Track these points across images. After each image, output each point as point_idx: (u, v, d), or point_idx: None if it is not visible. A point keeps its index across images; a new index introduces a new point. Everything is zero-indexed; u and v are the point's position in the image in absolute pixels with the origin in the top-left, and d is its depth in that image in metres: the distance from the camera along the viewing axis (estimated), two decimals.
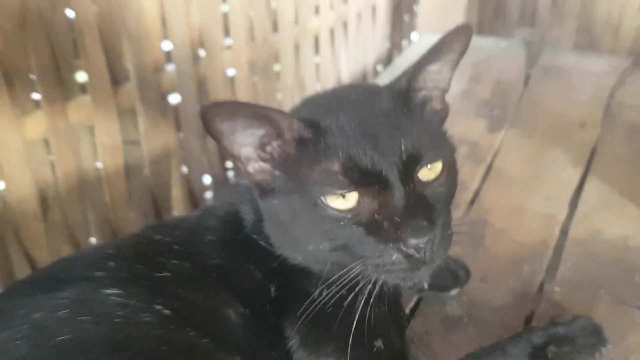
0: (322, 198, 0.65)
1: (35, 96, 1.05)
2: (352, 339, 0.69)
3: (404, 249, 0.63)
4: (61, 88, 1.07)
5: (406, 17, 2.25)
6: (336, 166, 0.65)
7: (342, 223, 0.66)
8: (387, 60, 2.16)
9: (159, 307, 0.66)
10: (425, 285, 0.96)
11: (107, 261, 0.71)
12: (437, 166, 0.69)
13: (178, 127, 1.35)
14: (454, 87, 1.66)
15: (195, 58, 1.32)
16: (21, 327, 0.60)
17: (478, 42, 2.07)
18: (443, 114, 0.78)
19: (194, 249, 0.75)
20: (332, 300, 0.68)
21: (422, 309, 0.97)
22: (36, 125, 1.05)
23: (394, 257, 0.65)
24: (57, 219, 1.11)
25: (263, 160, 0.70)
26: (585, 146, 1.42)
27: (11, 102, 0.99)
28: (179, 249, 0.75)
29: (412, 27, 2.31)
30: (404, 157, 0.66)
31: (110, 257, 0.72)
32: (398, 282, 0.69)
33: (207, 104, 0.62)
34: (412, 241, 0.63)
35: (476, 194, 1.27)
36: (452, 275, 1.00)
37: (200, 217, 0.82)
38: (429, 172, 0.68)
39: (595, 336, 0.84)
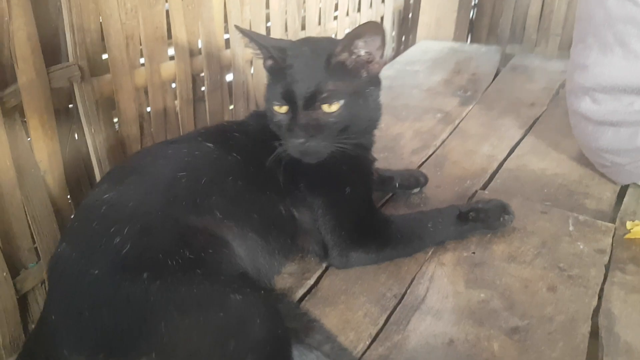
0: (273, 104, 1.15)
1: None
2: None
3: (291, 141, 1.11)
4: (159, 56, 1.58)
5: (408, 26, 2.76)
6: (279, 89, 1.14)
7: (278, 120, 1.15)
8: (392, 57, 2.67)
9: (234, 154, 1.16)
10: (397, 185, 1.45)
11: (200, 134, 1.22)
12: (334, 106, 1.10)
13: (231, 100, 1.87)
14: (438, 76, 2.19)
15: (246, 45, 1.84)
16: (169, 155, 1.13)
17: (463, 47, 2.58)
18: (365, 74, 1.16)
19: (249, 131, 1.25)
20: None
21: (393, 199, 1.46)
22: (141, 77, 1.56)
23: (289, 144, 1.12)
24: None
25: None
26: (531, 118, 1.90)
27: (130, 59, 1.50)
28: (239, 129, 1.25)
29: (412, 33, 2.82)
30: (307, 94, 1.09)
31: (201, 132, 1.23)
32: (294, 155, 1.14)
33: None
34: (291, 139, 1.11)
35: (443, 142, 1.76)
36: (415, 180, 1.50)
37: (248, 117, 1.35)
38: (328, 107, 1.10)
39: (503, 209, 1.30)
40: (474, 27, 3.29)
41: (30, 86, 1.23)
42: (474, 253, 1.24)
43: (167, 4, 1.58)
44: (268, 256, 1.12)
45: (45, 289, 1.32)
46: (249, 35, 1.18)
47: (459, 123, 1.87)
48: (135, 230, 0.94)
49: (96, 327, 0.85)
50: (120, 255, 0.91)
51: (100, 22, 1.39)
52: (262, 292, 0.96)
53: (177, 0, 1.60)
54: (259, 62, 1.90)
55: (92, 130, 1.42)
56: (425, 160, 1.65)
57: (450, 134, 1.80)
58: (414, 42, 2.81)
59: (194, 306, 0.86)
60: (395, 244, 1.21)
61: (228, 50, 1.82)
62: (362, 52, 1.13)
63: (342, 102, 1.11)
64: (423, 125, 1.84)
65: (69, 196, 1.39)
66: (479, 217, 1.28)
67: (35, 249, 1.32)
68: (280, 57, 1.15)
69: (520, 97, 2.04)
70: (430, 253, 1.24)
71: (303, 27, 2.07)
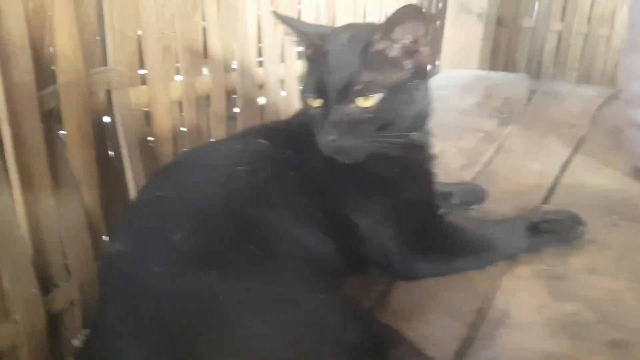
0: (307, 96, 1.07)
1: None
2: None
3: (322, 138, 1.02)
4: (194, 70, 1.51)
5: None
6: (312, 80, 1.05)
7: (313, 114, 1.06)
8: None
9: (289, 151, 1.07)
10: (456, 202, 1.36)
11: (250, 132, 1.14)
12: (371, 100, 0.99)
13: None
14: (470, 100, 2.13)
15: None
16: (223, 151, 1.03)
17: (490, 75, 2.54)
18: (409, 65, 1.04)
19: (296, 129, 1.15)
20: None
21: (452, 214, 1.36)
22: (177, 90, 1.48)
23: (320, 141, 1.03)
24: None
25: None
26: (574, 138, 1.83)
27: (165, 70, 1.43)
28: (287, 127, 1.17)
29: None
30: (340, 86, 0.99)
31: (251, 131, 1.16)
32: (326, 153, 1.03)
33: None
34: (322, 136, 1.02)
35: (489, 159, 1.68)
36: (474, 195, 1.40)
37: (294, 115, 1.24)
38: (364, 101, 0.99)
39: (576, 220, 1.21)
40: (490, 62, 3.27)
41: (69, 87, 1.15)
42: (550, 266, 1.14)
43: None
44: (335, 260, 1.02)
45: (74, 310, 1.20)
46: (289, 22, 1.11)
47: (501, 141, 1.80)
48: (196, 225, 0.85)
49: (160, 329, 0.74)
50: (182, 253, 0.81)
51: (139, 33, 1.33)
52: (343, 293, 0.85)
53: (214, 14, 1.55)
54: (291, 83, 1.85)
55: (129, 142, 1.33)
56: (476, 176, 1.56)
57: (494, 151, 1.73)
58: (435, 72, 2.78)
59: (272, 305, 0.76)
60: (466, 254, 1.11)
61: (261, 69, 1.75)
62: (405, 40, 1.03)
63: (379, 96, 1.00)
64: (465, 144, 1.76)
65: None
66: (551, 229, 1.18)
67: (66, 266, 1.21)
68: (318, 44, 1.07)
69: (558, 118, 1.98)
70: (501, 267, 1.14)
71: None
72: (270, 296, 0.77)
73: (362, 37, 1.03)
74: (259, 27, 1.72)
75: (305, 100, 1.07)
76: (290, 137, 1.10)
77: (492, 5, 2.73)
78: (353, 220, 1.07)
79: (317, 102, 1.05)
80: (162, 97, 1.43)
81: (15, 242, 1.07)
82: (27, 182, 1.08)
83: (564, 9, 3.11)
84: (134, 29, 1.32)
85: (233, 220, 0.89)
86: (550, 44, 3.19)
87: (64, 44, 1.12)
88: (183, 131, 1.52)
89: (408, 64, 1.04)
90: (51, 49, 1.10)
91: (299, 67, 1.90)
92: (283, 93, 1.86)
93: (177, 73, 1.50)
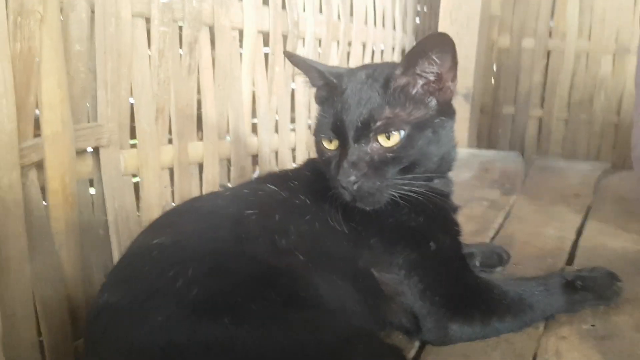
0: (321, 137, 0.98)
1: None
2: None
3: (342, 179, 0.91)
4: (187, 135, 1.42)
5: None
6: (328, 120, 0.97)
7: (327, 158, 0.98)
8: None
9: (302, 197, 0.96)
10: (477, 263, 1.24)
11: (256, 180, 1.03)
12: (394, 138, 0.92)
13: None
14: (467, 174, 2.07)
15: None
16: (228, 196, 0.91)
17: (482, 152, 2.52)
18: (433, 102, 0.97)
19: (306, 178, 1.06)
20: None
21: None
22: (168, 155, 1.38)
23: (338, 184, 0.93)
24: None
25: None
26: (583, 206, 1.76)
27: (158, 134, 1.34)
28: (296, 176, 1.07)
29: None
30: (359, 123, 0.92)
31: (258, 179, 1.04)
32: (346, 198, 0.94)
33: None
34: (339, 178, 0.92)
35: (501, 226, 1.58)
36: (497, 257, 1.28)
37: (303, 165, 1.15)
38: (386, 140, 0.92)
39: (612, 276, 1.10)
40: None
41: (55, 140, 1.05)
42: (593, 326, 1.02)
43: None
44: (360, 315, 0.88)
45: None
46: (301, 60, 1.04)
47: (510, 210, 1.72)
48: (203, 271, 0.73)
49: None
50: (188, 300, 0.68)
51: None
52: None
53: (209, 79, 1.49)
54: (284, 153, 1.78)
55: (116, 206, 1.21)
56: (491, 241, 1.46)
57: (505, 218, 1.64)
58: None
59: (301, 353, 0.61)
60: (502, 313, 0.98)
61: (255, 138, 1.68)
62: (429, 76, 0.96)
63: (402, 133, 0.92)
64: (473, 212, 1.68)
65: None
66: (587, 286, 1.07)
67: (40, 344, 1.04)
68: (334, 82, 1.00)
69: (561, 189, 1.93)
70: (542, 328, 1.01)
71: None
72: (299, 344, 0.63)
73: (382, 73, 0.97)
74: (254, 97, 1.66)
75: (319, 143, 0.98)
76: (302, 184, 1.00)
77: (477, 87, 2.76)
78: (375, 275, 0.94)
79: (332, 145, 0.96)
80: (153, 162, 1.33)
81: None
82: (0, 243, 0.95)
83: (542, 96, 3.17)
84: (127, 89, 1.24)
85: (246, 266, 0.76)
86: (531, 129, 3.21)
87: (52, 93, 1.03)
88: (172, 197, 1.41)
89: (432, 101, 0.97)
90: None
91: (292, 138, 1.84)
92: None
93: (169, 139, 1.41)
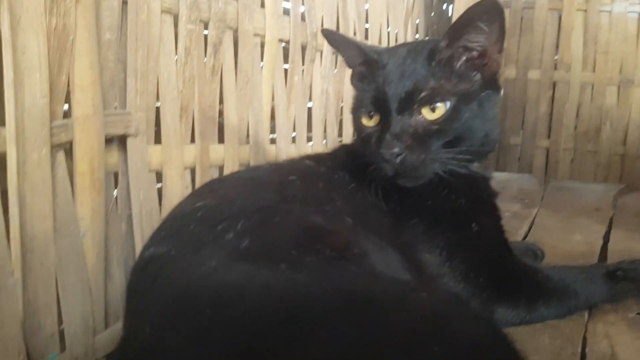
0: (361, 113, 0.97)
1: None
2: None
3: (384, 152, 0.89)
4: (209, 136, 1.41)
5: None
6: (368, 95, 0.96)
7: (367, 135, 0.96)
8: None
9: (341, 173, 0.94)
10: None
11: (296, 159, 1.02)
12: (439, 110, 0.91)
13: None
14: None
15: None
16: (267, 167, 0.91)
17: (495, 174, 2.49)
18: (478, 75, 0.96)
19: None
20: None
21: None
22: (190, 155, 1.36)
23: (380, 158, 0.91)
24: None
25: None
26: (605, 218, 1.75)
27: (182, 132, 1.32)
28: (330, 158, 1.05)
29: None
30: (403, 94, 0.92)
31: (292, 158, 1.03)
32: (388, 173, 0.92)
33: None
34: (382, 150, 0.90)
35: (527, 234, 1.56)
36: (532, 254, 1.27)
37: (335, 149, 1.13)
38: (430, 112, 0.91)
39: None
40: None
41: (85, 122, 1.03)
42: (638, 314, 0.98)
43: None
44: None
45: None
46: (339, 37, 1.04)
47: (533, 220, 1.70)
48: (253, 224, 0.71)
49: (225, 329, 0.54)
50: (239, 250, 0.65)
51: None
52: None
53: (231, 83, 1.48)
54: None
55: (141, 197, 1.18)
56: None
57: (530, 227, 1.62)
58: None
59: (364, 304, 0.58)
60: (548, 298, 0.94)
61: (273, 146, 1.66)
62: (475, 47, 0.94)
63: (448, 104, 0.90)
64: None
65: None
66: (629, 277, 1.04)
67: (61, 334, 0.99)
68: (374, 58, 0.98)
69: (580, 204, 1.92)
70: (587, 315, 0.98)
71: (340, 134, 1.98)
72: (363, 295, 0.59)
73: (426, 46, 0.96)
74: (274, 104, 1.66)
75: (357, 119, 0.97)
76: (338, 163, 0.98)
77: None
78: (417, 254, 0.91)
79: (373, 120, 0.95)
80: (176, 159, 1.30)
81: (5, 294, 0.88)
82: (26, 221, 0.92)
83: (549, 127, 3.18)
84: (154, 83, 1.23)
85: (295, 221, 0.74)
86: (539, 160, 3.20)
87: (84, 74, 1.02)
88: None
89: (477, 75, 0.95)
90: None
91: (309, 149, 1.82)
92: None
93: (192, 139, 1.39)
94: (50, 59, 0.94)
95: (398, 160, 0.88)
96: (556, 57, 3.09)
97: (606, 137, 3.03)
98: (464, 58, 0.95)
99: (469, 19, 0.91)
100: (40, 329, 0.95)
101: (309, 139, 1.88)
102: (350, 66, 1.06)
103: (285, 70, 1.70)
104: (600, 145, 3.04)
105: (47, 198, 0.95)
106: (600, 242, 1.46)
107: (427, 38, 1.06)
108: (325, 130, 1.90)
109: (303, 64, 1.78)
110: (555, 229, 1.60)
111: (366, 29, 2.15)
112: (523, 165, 3.20)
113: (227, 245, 0.66)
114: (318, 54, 1.83)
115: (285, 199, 0.79)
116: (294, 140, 1.77)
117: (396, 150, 0.88)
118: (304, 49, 1.76)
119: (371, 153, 0.93)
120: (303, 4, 1.75)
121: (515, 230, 1.57)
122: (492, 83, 0.98)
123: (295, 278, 0.59)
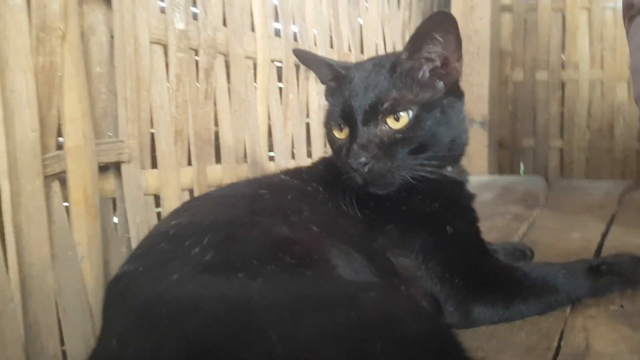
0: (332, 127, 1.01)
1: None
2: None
3: (352, 162, 0.92)
4: (206, 157, 1.46)
5: None
6: (337, 108, 1.00)
7: (339, 147, 1.00)
8: None
9: (314, 185, 0.98)
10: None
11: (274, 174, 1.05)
12: (402, 119, 0.93)
13: None
14: (489, 195, 2.05)
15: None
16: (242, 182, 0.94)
17: (503, 177, 2.51)
18: (440, 83, 0.98)
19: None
20: None
21: None
22: (187, 177, 1.41)
23: (349, 168, 0.94)
24: None
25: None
26: (607, 215, 1.74)
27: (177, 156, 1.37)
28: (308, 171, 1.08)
29: None
30: (367, 106, 0.95)
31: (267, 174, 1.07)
32: (358, 182, 0.94)
33: None
34: (350, 161, 0.93)
35: (524, 234, 1.57)
36: (520, 253, 1.27)
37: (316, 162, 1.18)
38: (395, 122, 0.93)
39: (636, 260, 1.07)
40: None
41: (77, 152, 1.08)
42: (622, 306, 0.99)
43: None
44: None
45: None
46: (310, 56, 1.08)
47: (533, 221, 1.71)
48: (218, 238, 0.74)
49: (180, 339, 0.58)
50: (203, 263, 0.69)
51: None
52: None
53: (225, 105, 1.54)
54: None
55: (138, 221, 1.23)
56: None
57: (528, 228, 1.63)
58: None
59: (314, 306, 0.61)
60: (525, 295, 0.95)
61: (272, 163, 1.71)
62: (435, 58, 0.97)
63: (411, 113, 0.93)
64: (495, 223, 1.67)
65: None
66: (613, 270, 1.04)
67: (63, 354, 1.04)
68: (343, 74, 1.03)
69: (584, 203, 1.92)
70: (568, 310, 0.99)
71: None
72: (314, 298, 0.63)
73: (389, 60, 0.99)
74: (270, 123, 1.71)
75: (329, 132, 1.01)
76: (315, 176, 1.02)
77: (492, 116, 2.77)
78: (392, 260, 0.94)
79: (343, 133, 0.99)
80: (173, 182, 1.35)
81: (6, 319, 0.93)
82: (24, 249, 0.97)
83: (562, 127, 3.16)
84: (147, 110, 1.29)
85: (261, 235, 0.77)
86: (553, 160, 3.18)
87: (73, 107, 1.07)
88: None
89: (439, 83, 0.98)
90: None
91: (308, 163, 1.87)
92: None
93: (189, 161, 1.44)
94: (40, 95, 1.00)
95: (366, 169, 0.92)
96: (563, 57, 3.08)
97: (620, 134, 3.01)
98: (426, 68, 0.98)
99: (425, 31, 0.94)
100: (44, 351, 0.99)
101: (309, 154, 1.92)
102: (322, 82, 1.10)
103: (280, 89, 1.75)
104: (614, 141, 3.02)
105: (43, 226, 1.00)
106: (598, 240, 1.46)
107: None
108: (325, 145, 1.94)
109: (298, 82, 1.83)
110: (553, 228, 1.60)
111: (362, 43, 2.18)
112: (538, 168, 3.18)
113: (192, 260, 0.70)
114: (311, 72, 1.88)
115: (253, 212, 0.83)
116: (293, 155, 1.81)
117: (363, 159, 0.91)
118: (297, 67, 1.81)
119: (342, 164, 0.97)
120: (294, 23, 1.81)
121: (512, 231, 1.58)
122: (454, 90, 1.00)
123: (249, 285, 0.63)
